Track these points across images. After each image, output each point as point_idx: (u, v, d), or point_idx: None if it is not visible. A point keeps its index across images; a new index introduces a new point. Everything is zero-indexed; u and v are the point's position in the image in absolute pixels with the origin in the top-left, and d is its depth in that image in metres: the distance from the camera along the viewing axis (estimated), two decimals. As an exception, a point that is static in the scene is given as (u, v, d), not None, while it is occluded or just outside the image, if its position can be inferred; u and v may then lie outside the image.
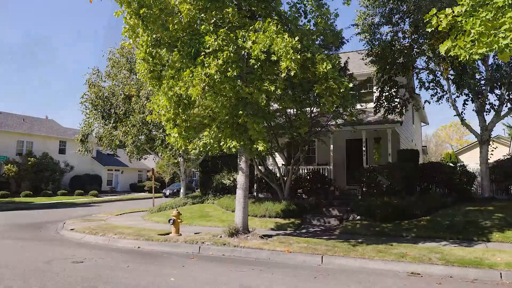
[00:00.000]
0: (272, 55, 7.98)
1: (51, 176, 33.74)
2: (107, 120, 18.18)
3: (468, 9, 6.88)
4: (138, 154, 18.24)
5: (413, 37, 14.38)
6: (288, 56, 7.52)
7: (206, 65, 8.07)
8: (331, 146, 16.05)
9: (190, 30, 8.68)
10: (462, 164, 14.79)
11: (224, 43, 8.12)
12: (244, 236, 9.80)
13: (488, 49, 6.56)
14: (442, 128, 59.43)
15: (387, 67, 13.73)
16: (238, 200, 10.13)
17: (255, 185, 17.57)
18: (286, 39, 7.72)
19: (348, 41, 13.77)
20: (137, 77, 18.52)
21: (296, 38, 7.83)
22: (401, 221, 11.57)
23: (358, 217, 12.53)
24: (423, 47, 14.07)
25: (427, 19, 7.04)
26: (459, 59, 6.95)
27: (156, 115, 10.88)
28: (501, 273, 6.69)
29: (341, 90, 8.54)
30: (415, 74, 14.64)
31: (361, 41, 14.65)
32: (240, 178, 10.17)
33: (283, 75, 7.70)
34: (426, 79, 14.06)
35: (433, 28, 7.05)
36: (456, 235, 10.02)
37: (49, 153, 34.67)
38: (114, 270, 7.24)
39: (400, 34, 14.68)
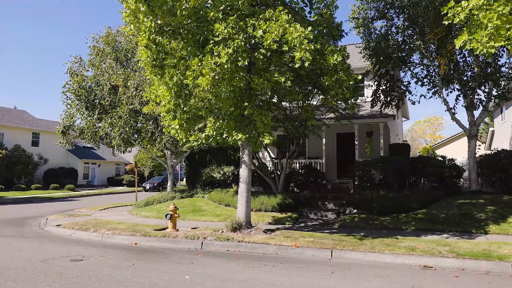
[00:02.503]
0: (284, 45, 7.75)
1: (24, 169, 32.20)
2: (91, 111, 17.38)
3: (484, 2, 6.86)
4: (124, 147, 17.59)
5: (406, 33, 14.47)
6: (303, 46, 7.31)
7: (215, 53, 7.74)
8: (324, 140, 16.03)
9: (196, 17, 8.30)
10: (451, 158, 15.10)
11: (234, 31, 7.82)
12: (247, 231, 9.59)
13: (506, 42, 6.58)
14: (417, 123, 61.09)
15: (384, 60, 13.76)
16: (241, 194, 9.88)
17: (245, 179, 17.33)
18: (299, 29, 7.51)
19: (347, 34, 13.72)
20: (121, 66, 17.82)
21: (309, 28, 7.62)
22: (398, 214, 11.68)
23: (355, 211, 12.57)
24: (417, 43, 14.16)
25: (444, 12, 7.01)
26: (475, 53, 6.97)
27: (153, 106, 10.47)
28: (512, 265, 6.80)
29: (350, 83, 8.44)
30: (408, 70, 14.73)
31: (357, 35, 14.57)
32: (243, 172, 9.92)
33: (297, 65, 7.48)
34: (419, 75, 14.21)
35: (450, 21, 7.01)
36: (454, 228, 10.20)
37: (21, 145, 33.05)
38: (120, 268, 6.87)
39: (393, 29, 14.74)
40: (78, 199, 25.98)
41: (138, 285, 5.72)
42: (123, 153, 19.58)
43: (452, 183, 14.45)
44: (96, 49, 17.71)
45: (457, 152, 31.14)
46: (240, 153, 10.07)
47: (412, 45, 14.31)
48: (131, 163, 46.86)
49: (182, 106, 9.46)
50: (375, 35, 14.25)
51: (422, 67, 14.29)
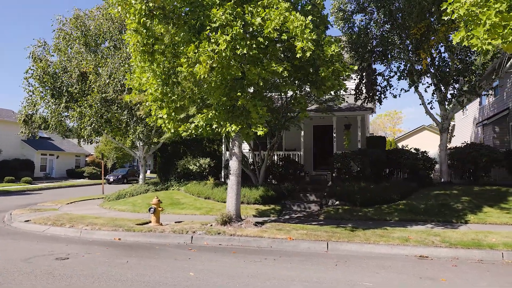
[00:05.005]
0: (284, 34, 7.55)
1: (-26, 161, 29.87)
2: (58, 99, 16.25)
3: (482, -1, 6.99)
4: (95, 137, 16.65)
5: (384, 27, 14.71)
6: (305, 35, 7.14)
7: (212, 40, 7.39)
8: (302, 132, 16.05)
9: (190, 2, 7.87)
10: (424, 150, 15.63)
11: (231, 17, 7.50)
12: (237, 224, 9.38)
13: (502, 40, 6.77)
14: (379, 116, 63.22)
15: (363, 54, 13.93)
16: (231, 187, 9.64)
17: (222, 171, 17.06)
18: (300, 17, 7.33)
19: (332, 26, 13.66)
20: (91, 52, 16.82)
21: (310, 18, 7.47)
22: (381, 205, 11.93)
23: (337, 202, 12.69)
24: (394, 38, 14.44)
25: (444, 7, 7.11)
26: (473, 49, 7.14)
27: (136, 94, 9.94)
28: (502, 253, 7.10)
29: (347, 74, 8.41)
30: (388, 64, 15.01)
31: (337, 28, 14.64)
32: (233, 164, 9.67)
33: (298, 55, 7.31)
34: (398, 69, 14.51)
35: (449, 16, 7.12)
36: (436, 218, 10.57)
37: (-30, 135, 30.63)
38: (114, 266, 6.44)
39: (372, 23, 14.94)
40: (38, 192, 24.48)
41: (143, 284, 5.37)
42: (91, 143, 18.58)
43: (425, 175, 14.97)
44: (63, 32, 16.52)
45: (417, 144, 32.53)
46: (230, 145, 9.81)
47: (390, 40, 14.58)
48: (92, 155, 44.90)
49: (169, 95, 9.04)
50: (356, 29, 14.38)
51: (400, 61, 14.60)
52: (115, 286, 5.30)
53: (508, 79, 17.38)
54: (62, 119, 17.20)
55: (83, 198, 19.09)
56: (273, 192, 13.11)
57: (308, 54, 7.26)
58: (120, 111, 15.14)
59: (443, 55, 14.30)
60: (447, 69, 14.27)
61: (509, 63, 13.60)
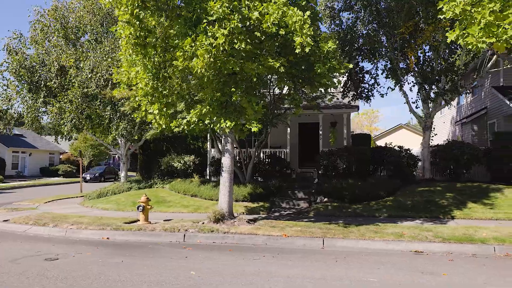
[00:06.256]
0: (282, 29, 7.45)
1: None
2: (35, 94, 15.57)
3: (476, -2, 7.12)
4: (76, 133, 16.07)
5: (371, 25, 14.85)
6: (304, 31, 7.08)
7: (209, 34, 7.21)
8: (288, 129, 16.03)
9: (185, -7, 7.66)
10: (407, 148, 15.90)
11: (228, 11, 7.34)
12: (230, 221, 9.25)
13: (496, 39, 6.93)
14: (357, 115, 64.12)
15: (351, 52, 14.03)
16: (224, 184, 9.49)
17: (208, 169, 16.84)
18: (298, 13, 7.26)
19: (322, 23, 13.70)
20: (72, 45, 16.22)
21: (308, 13, 7.40)
22: (369, 202, 12.04)
23: (326, 199, 12.74)
24: (381, 37, 14.59)
25: (440, 6, 7.21)
26: (468, 48, 7.27)
27: (125, 89, 9.63)
28: (494, 248, 7.28)
29: (342, 71, 8.41)
30: (375, 63, 15.17)
31: (324, 25, 14.69)
32: (226, 161, 9.51)
33: (296, 51, 7.23)
34: (385, 68, 14.67)
35: (444, 15, 7.23)
36: (423, 214, 10.76)
37: None
38: (111, 266, 6.20)
39: (359, 22, 15.05)
40: (12, 191, 23.48)
41: (146, 284, 5.17)
42: (69, 140, 17.93)
43: (409, 172, 15.24)
44: (41, 24, 15.80)
45: (395, 143, 33.23)
46: (223, 141, 9.66)
47: (376, 39, 14.74)
48: (66, 152, 43.52)
49: (160, 90, 8.80)
50: (344, 27, 14.45)
51: (386, 59, 14.77)
52: (116, 287, 5.08)
53: (486, 79, 17.95)
54: (40, 114, 16.51)
55: (61, 196, 18.44)
56: (262, 189, 13.03)
57: (307, 49, 7.20)
58: (102, 107, 14.64)
59: (427, 54, 14.56)
60: (429, 68, 14.54)
61: (490, 62, 14.01)
